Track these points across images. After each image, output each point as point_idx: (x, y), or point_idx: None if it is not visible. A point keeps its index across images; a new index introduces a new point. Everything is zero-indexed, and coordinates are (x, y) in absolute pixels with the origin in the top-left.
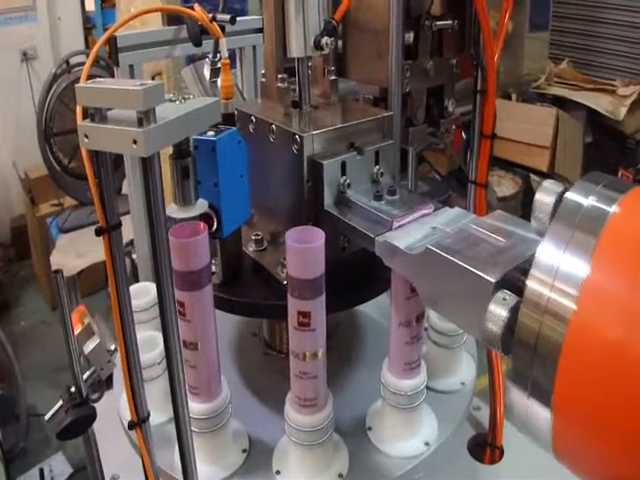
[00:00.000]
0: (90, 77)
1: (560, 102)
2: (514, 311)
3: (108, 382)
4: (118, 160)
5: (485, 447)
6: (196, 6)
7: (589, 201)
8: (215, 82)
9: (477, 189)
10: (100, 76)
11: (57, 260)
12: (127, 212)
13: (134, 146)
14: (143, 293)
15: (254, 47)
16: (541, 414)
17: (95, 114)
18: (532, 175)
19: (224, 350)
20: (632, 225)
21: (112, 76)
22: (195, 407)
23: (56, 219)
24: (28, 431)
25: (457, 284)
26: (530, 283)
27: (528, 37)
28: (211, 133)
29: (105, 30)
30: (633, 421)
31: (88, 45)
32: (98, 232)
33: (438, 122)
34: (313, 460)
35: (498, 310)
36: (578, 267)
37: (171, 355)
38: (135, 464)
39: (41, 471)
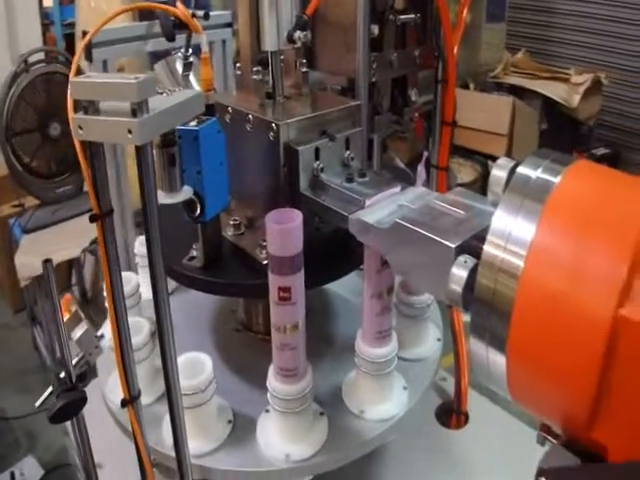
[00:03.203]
0: (49, 73)
1: (516, 91)
2: (473, 272)
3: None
4: (76, 163)
5: (451, 414)
6: (178, 4)
7: (537, 173)
8: (187, 76)
9: (439, 173)
10: (60, 73)
11: (21, 260)
12: (90, 210)
13: (129, 135)
14: (125, 281)
15: (224, 41)
16: (497, 360)
17: (89, 107)
18: (490, 162)
19: (204, 332)
20: (573, 193)
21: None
22: None
23: (18, 220)
24: None
25: (423, 252)
26: (486, 247)
27: (485, 28)
28: (193, 123)
29: (64, 26)
30: (571, 359)
31: (46, 42)
32: (92, 218)
33: (402, 110)
34: (295, 427)
35: (459, 272)
36: (526, 231)
37: (164, 335)
38: (117, 451)
39: (12, 474)
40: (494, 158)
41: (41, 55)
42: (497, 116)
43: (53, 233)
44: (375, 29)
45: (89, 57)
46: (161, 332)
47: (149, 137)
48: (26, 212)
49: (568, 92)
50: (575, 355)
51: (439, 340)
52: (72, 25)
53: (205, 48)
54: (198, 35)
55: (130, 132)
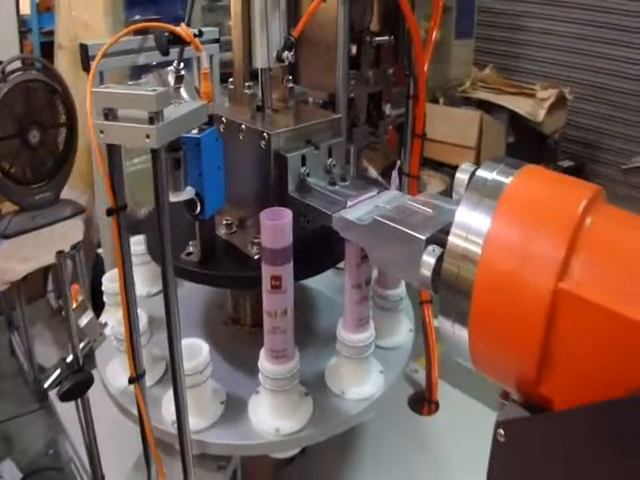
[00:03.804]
0: (27, 81)
1: (484, 105)
2: (440, 259)
3: None
4: (54, 170)
5: (423, 402)
6: (182, 25)
7: (492, 175)
8: (179, 88)
9: (410, 180)
10: (38, 80)
11: (1, 265)
12: (68, 217)
13: (147, 140)
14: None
15: (211, 56)
16: (461, 334)
17: (109, 114)
18: None
19: (194, 325)
20: (521, 191)
21: (53, 79)
22: None
23: None
24: None
25: (398, 244)
26: (450, 238)
27: (454, 44)
28: (195, 131)
29: (42, 34)
30: (520, 327)
31: (22, 49)
32: (109, 212)
33: (377, 123)
34: (284, 404)
35: (428, 259)
36: (483, 223)
37: (171, 320)
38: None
39: None
40: None
41: (18, 63)
42: (465, 130)
43: (32, 239)
44: (353, 49)
45: (86, 68)
46: (169, 318)
47: (163, 141)
48: (4, 218)
49: (534, 107)
50: (523, 324)
51: (411, 331)
52: (50, 33)
53: (206, 64)
54: (198, 52)
55: (148, 137)
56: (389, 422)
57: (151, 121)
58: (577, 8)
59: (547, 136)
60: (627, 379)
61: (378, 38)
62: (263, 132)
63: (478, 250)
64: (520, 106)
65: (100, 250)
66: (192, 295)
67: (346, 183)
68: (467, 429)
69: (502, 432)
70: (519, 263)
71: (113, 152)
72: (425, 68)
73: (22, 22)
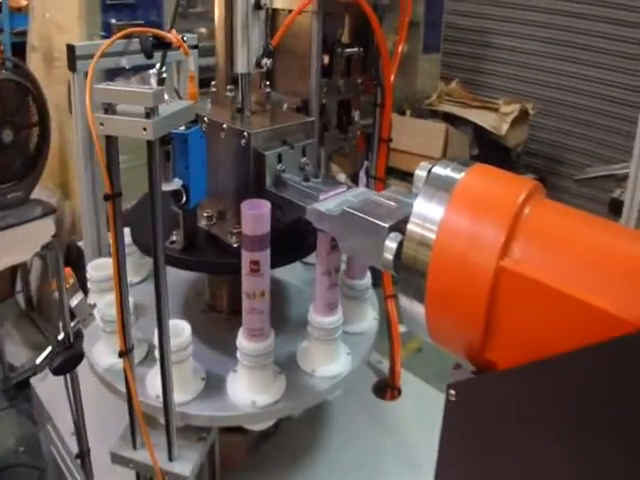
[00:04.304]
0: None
1: (449, 118)
2: (400, 244)
3: None
4: (26, 170)
5: (386, 389)
6: (173, 31)
7: (446, 172)
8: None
9: (377, 182)
10: (9, 79)
11: None
12: (39, 217)
13: (144, 132)
14: (103, 266)
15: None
16: (419, 310)
17: (108, 108)
18: None
19: (174, 312)
20: (470, 185)
21: (26, 79)
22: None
23: None
24: None
25: (364, 232)
26: (409, 226)
27: (421, 58)
28: (182, 128)
29: (13, 35)
30: (467, 301)
31: None
32: (106, 198)
33: (347, 128)
34: (260, 379)
35: (390, 244)
36: (437, 212)
37: (161, 300)
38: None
39: None
40: None
41: None
42: (431, 141)
43: (3, 237)
44: (326, 59)
45: (73, 68)
46: (158, 297)
47: (159, 134)
48: None
49: (497, 121)
50: (471, 298)
51: (375, 319)
52: (22, 34)
53: (191, 68)
54: (186, 57)
55: (145, 130)
56: (356, 407)
57: (147, 116)
58: (541, 26)
59: (510, 149)
60: (557, 343)
61: (348, 50)
62: (243, 131)
63: (433, 236)
64: (484, 120)
65: (80, 243)
66: (171, 285)
67: (318, 180)
68: (426, 412)
69: (453, 392)
70: (467, 246)
71: (111, 143)
72: (391, 79)
73: None
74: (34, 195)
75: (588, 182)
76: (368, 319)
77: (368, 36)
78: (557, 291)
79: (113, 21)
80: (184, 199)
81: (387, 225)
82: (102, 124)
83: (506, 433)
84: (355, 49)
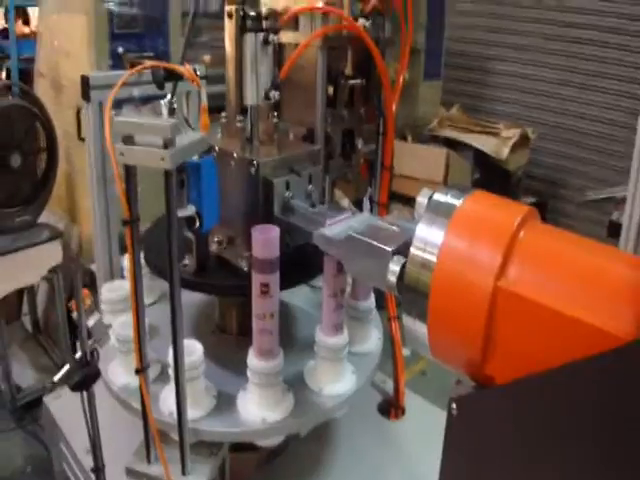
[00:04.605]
0: (7, 107)
1: (450, 143)
2: (403, 267)
3: None
4: (34, 194)
5: (390, 408)
6: (187, 65)
7: (446, 198)
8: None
9: (380, 208)
10: (18, 105)
11: None
12: (46, 240)
13: (162, 162)
14: (117, 288)
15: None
16: (422, 329)
17: (127, 139)
18: None
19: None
20: (468, 211)
21: (31, 103)
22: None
23: None
24: None
25: (369, 255)
26: (412, 249)
27: (423, 85)
28: (195, 157)
29: (21, 61)
30: (467, 319)
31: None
32: (124, 223)
33: (350, 156)
34: (269, 397)
35: (394, 267)
36: (438, 237)
37: (176, 323)
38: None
39: None
40: None
41: None
42: (432, 166)
43: (10, 261)
44: (330, 90)
45: (87, 98)
46: (174, 320)
47: (176, 163)
48: None
49: (498, 145)
50: (470, 316)
51: (380, 339)
52: (29, 60)
53: (204, 99)
54: (198, 89)
55: (162, 159)
56: (361, 426)
57: (165, 146)
58: (540, 52)
59: (511, 173)
60: (551, 358)
61: (351, 81)
62: (252, 160)
63: (434, 259)
64: (485, 144)
65: (93, 266)
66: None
67: (324, 206)
68: (429, 430)
69: (454, 406)
70: (466, 268)
71: (130, 172)
72: (393, 108)
73: (1, 48)
74: (42, 219)
75: (588, 205)
76: (372, 340)
77: (370, 67)
78: (550, 309)
79: (120, 50)
80: (197, 224)
81: (390, 249)
82: (122, 154)
83: (506, 445)
84: (358, 80)
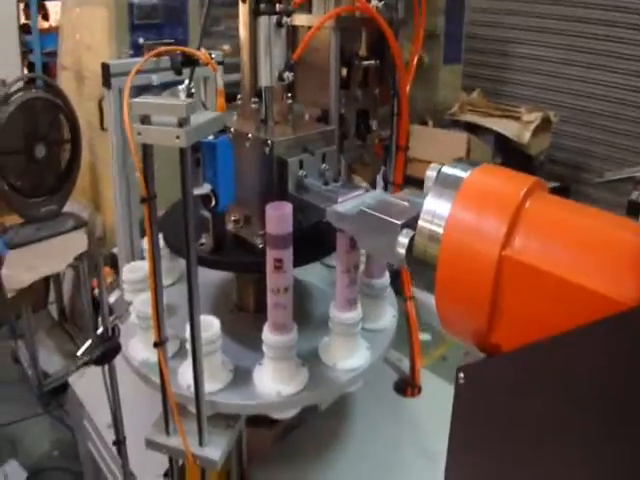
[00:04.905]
0: (32, 99)
1: (472, 127)
2: (412, 239)
3: None
4: (58, 184)
5: (407, 386)
6: (203, 50)
7: (454, 171)
8: None
9: (395, 188)
10: (41, 98)
11: (8, 273)
12: (71, 229)
13: (177, 140)
14: (137, 269)
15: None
16: (431, 300)
17: (144, 119)
18: None
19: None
20: (476, 183)
21: (54, 95)
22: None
23: (2, 237)
24: None
25: (379, 230)
26: (420, 222)
27: (443, 69)
28: (211, 137)
29: (44, 55)
30: (474, 288)
31: (30, 69)
32: (142, 200)
33: (365, 136)
34: (283, 371)
35: (403, 239)
36: (445, 209)
37: (192, 300)
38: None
39: None
40: None
41: (22, 82)
42: (453, 151)
43: (37, 249)
44: (344, 71)
45: (108, 85)
46: (190, 297)
47: (190, 142)
48: (10, 229)
49: (519, 129)
50: (476, 285)
51: (394, 317)
52: (52, 54)
53: (220, 83)
54: (214, 72)
55: (178, 138)
56: (377, 403)
57: (180, 125)
58: (562, 34)
59: (533, 157)
60: (556, 325)
61: (365, 62)
62: (267, 140)
63: (441, 230)
64: (506, 128)
65: (115, 250)
66: (201, 287)
67: (338, 184)
68: (445, 408)
69: (462, 375)
70: (472, 238)
71: (147, 151)
72: (407, 89)
73: (24, 43)
74: (67, 209)
75: (606, 185)
76: (387, 317)
77: (384, 48)
78: (555, 276)
79: (141, 40)
80: (213, 203)
81: (400, 222)
82: (140, 133)
83: (514, 414)
84: (372, 61)
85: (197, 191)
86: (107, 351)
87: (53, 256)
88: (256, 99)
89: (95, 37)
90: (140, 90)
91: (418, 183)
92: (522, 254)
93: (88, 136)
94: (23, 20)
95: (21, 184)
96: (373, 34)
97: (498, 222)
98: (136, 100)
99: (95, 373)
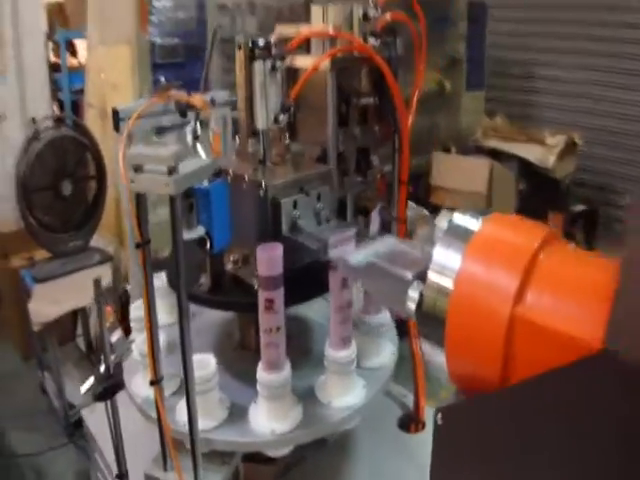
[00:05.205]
0: (60, 138)
1: (495, 153)
2: (422, 293)
3: None
4: (85, 219)
5: (411, 422)
6: (198, 97)
7: (464, 221)
8: (195, 145)
9: (399, 224)
10: (69, 136)
11: (35, 307)
12: (97, 263)
13: (166, 188)
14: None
15: (224, 118)
16: (440, 355)
17: (137, 168)
18: None
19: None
20: (487, 234)
21: (81, 134)
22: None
23: (29, 270)
24: (8, 472)
25: (390, 281)
26: (429, 274)
27: (465, 95)
28: (205, 182)
29: (72, 93)
30: (485, 345)
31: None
32: (137, 245)
33: (366, 172)
34: (277, 409)
35: (413, 294)
36: (455, 261)
37: (184, 339)
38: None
39: None
40: None
41: (51, 121)
42: (475, 177)
43: (62, 283)
44: (343, 108)
45: (117, 128)
46: (182, 336)
47: (179, 189)
48: (37, 264)
49: (543, 153)
50: (488, 342)
51: (394, 354)
52: (80, 92)
53: (215, 127)
54: (207, 118)
55: (167, 185)
56: (381, 439)
57: (169, 173)
58: (584, 54)
59: (559, 182)
60: None
61: (364, 100)
62: (261, 183)
63: (450, 284)
64: (530, 153)
65: (128, 286)
66: (207, 326)
67: (330, 224)
68: None
69: (440, 416)
70: (483, 293)
71: (140, 198)
72: (408, 125)
73: (53, 81)
74: (92, 243)
75: None
76: (385, 354)
77: (384, 85)
78: (566, 335)
79: (162, 79)
80: (208, 245)
81: (410, 275)
82: (133, 181)
83: (491, 454)
84: (370, 99)
85: (191, 235)
86: (108, 388)
87: (78, 290)
88: (254, 141)
89: (119, 76)
90: (159, 130)
91: (439, 210)
92: (534, 312)
93: (112, 172)
94: (53, 58)
95: (49, 220)
96: (374, 71)
97: (510, 277)
98: (131, 152)
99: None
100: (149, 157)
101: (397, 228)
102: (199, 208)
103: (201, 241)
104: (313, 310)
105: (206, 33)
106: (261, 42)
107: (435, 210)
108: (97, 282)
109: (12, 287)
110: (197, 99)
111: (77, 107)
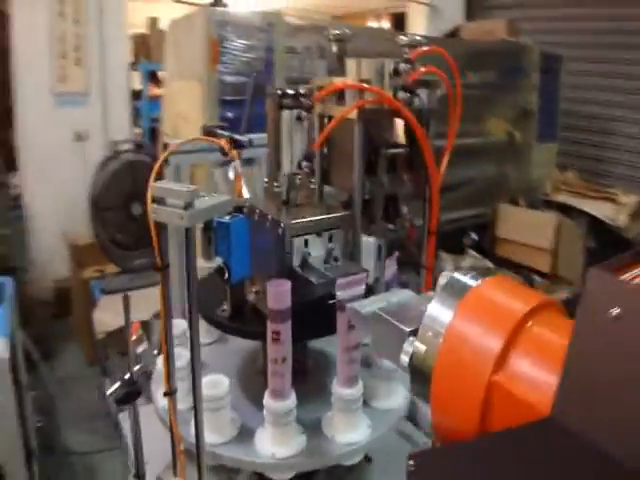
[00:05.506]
0: (135, 162)
1: (565, 208)
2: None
3: None
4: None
5: None
6: (223, 141)
7: (463, 279)
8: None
9: (427, 272)
10: (144, 161)
11: (98, 317)
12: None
13: (181, 221)
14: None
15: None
16: (427, 409)
17: (160, 201)
18: (535, 276)
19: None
20: (480, 294)
21: (153, 160)
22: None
23: (99, 282)
24: (60, 469)
25: (389, 334)
26: (420, 329)
27: (536, 147)
28: (227, 217)
29: (151, 120)
30: (464, 407)
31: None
32: (157, 269)
33: (394, 220)
34: (281, 435)
35: (407, 347)
36: (446, 317)
37: (195, 361)
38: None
39: None
40: (539, 273)
41: (130, 144)
42: (541, 232)
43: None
44: (371, 157)
45: (166, 162)
46: (193, 358)
47: (193, 223)
48: (106, 277)
49: (615, 211)
50: (466, 405)
51: (406, 398)
52: (158, 120)
53: (239, 170)
54: (233, 160)
55: (182, 219)
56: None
57: (185, 208)
58: None
59: (630, 241)
60: None
61: (393, 150)
62: (281, 222)
63: (439, 341)
64: (600, 210)
65: None
66: (236, 351)
67: (339, 263)
68: None
69: (412, 462)
70: (467, 354)
71: (159, 227)
72: (439, 178)
73: (134, 108)
74: None
75: None
76: (397, 397)
77: (413, 138)
78: (526, 402)
79: (229, 114)
80: (226, 275)
81: (408, 329)
82: (155, 212)
83: None
84: (399, 150)
85: (208, 264)
86: (128, 394)
87: (141, 305)
88: (279, 183)
89: (190, 109)
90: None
91: (506, 264)
92: (512, 381)
93: None
94: (138, 86)
95: (121, 237)
96: (406, 122)
97: (493, 341)
98: (154, 184)
99: (141, 412)
100: (170, 192)
101: (426, 277)
102: (218, 240)
103: (219, 270)
104: (335, 346)
105: (273, 73)
106: (290, 92)
107: (500, 263)
108: (126, 297)
109: (83, 296)
110: (222, 141)
111: (155, 133)
